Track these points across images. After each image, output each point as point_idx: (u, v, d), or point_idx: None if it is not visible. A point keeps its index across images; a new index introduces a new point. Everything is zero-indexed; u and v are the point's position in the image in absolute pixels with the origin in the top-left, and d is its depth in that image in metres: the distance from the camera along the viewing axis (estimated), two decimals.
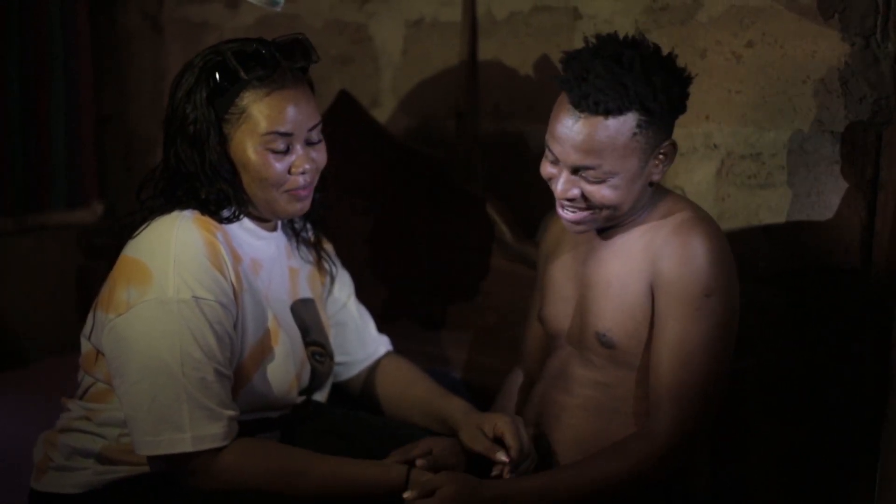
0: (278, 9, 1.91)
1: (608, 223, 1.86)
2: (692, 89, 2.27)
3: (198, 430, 1.71)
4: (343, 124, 2.69)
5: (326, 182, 1.97)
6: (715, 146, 2.29)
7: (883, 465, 2.01)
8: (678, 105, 1.80)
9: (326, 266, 2.11)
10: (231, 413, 1.76)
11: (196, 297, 1.73)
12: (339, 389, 2.16)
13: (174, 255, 1.75)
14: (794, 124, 2.17)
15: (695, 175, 2.33)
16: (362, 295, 2.22)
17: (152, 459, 1.77)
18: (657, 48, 1.80)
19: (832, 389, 2.15)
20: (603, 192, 1.78)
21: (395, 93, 2.85)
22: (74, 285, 3.21)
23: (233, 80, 1.79)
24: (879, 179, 2.05)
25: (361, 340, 2.17)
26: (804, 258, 2.18)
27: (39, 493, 1.89)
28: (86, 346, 1.87)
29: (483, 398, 2.33)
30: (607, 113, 1.72)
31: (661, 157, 1.81)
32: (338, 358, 2.12)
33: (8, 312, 3.15)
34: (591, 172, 1.77)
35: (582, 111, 1.74)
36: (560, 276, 1.99)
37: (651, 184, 1.83)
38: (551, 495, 1.76)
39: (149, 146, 3.35)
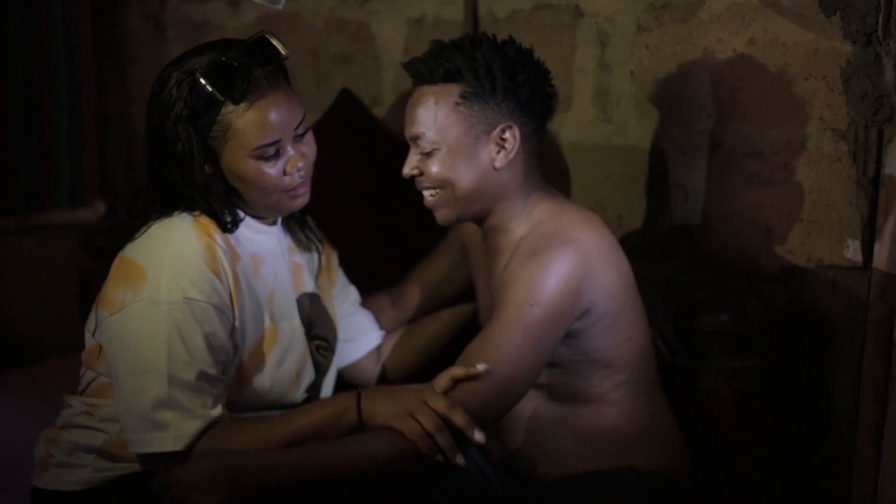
0: (279, 6, 1.90)
1: (465, 210, 1.87)
2: (694, 87, 2.30)
3: (180, 429, 1.73)
4: (344, 123, 2.69)
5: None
6: (717, 144, 2.29)
7: (885, 464, 2.01)
8: (512, 88, 1.82)
9: (332, 263, 2.12)
10: (216, 413, 1.76)
11: (187, 299, 1.74)
12: (347, 386, 2.16)
13: (169, 257, 1.76)
14: (796, 122, 2.17)
15: (697, 173, 2.33)
16: (363, 294, 2.22)
17: (141, 457, 1.79)
18: (507, 41, 1.85)
19: (833, 388, 2.15)
20: (433, 168, 1.85)
21: (396, 91, 2.85)
22: (76, 284, 3.21)
23: (210, 102, 1.78)
24: (881, 177, 2.05)
25: (370, 322, 2.17)
26: (806, 256, 2.18)
27: (41, 491, 1.90)
28: (90, 341, 1.89)
29: None
30: (425, 80, 1.84)
31: (500, 141, 1.83)
32: (350, 338, 2.13)
33: (10, 311, 3.16)
34: (421, 144, 1.85)
35: (414, 84, 1.87)
36: (479, 280, 2.03)
37: (496, 169, 1.84)
38: (302, 470, 1.69)
39: None
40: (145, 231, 1.82)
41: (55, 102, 3.16)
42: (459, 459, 1.70)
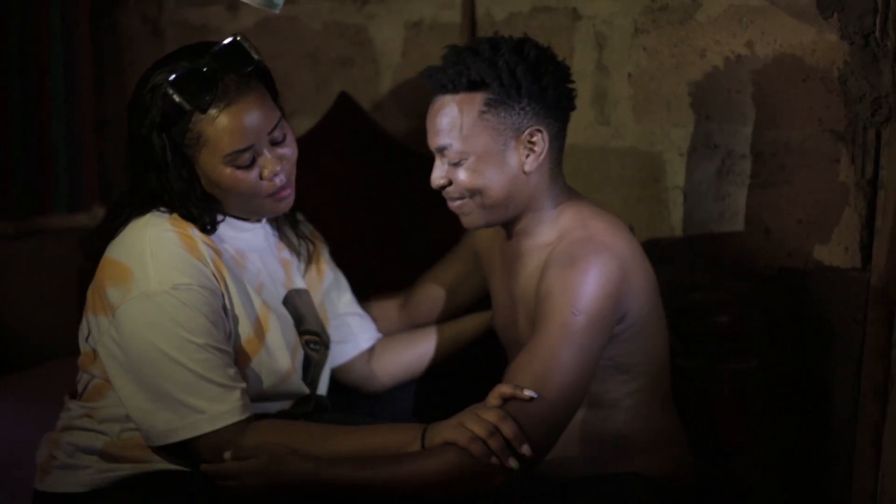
0: (277, 11, 1.91)
1: (495, 216, 1.87)
2: (692, 89, 2.30)
3: (214, 408, 1.73)
4: (343, 127, 2.69)
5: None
6: (715, 146, 2.30)
7: (885, 463, 2.02)
8: (537, 91, 1.80)
9: (321, 259, 2.12)
10: (242, 385, 1.78)
11: (177, 285, 1.75)
12: (343, 389, 2.16)
13: (150, 250, 1.78)
14: (794, 123, 2.17)
15: (695, 175, 2.33)
16: (360, 296, 2.22)
17: (171, 452, 1.79)
18: (525, 42, 1.83)
19: (833, 388, 2.15)
20: (462, 176, 1.83)
21: (395, 95, 2.85)
22: (76, 287, 3.21)
23: (179, 111, 1.78)
24: (879, 178, 2.06)
25: (364, 323, 2.17)
26: (804, 257, 2.18)
27: (43, 494, 1.90)
28: (84, 347, 1.89)
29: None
30: (448, 90, 1.81)
31: (529, 144, 1.82)
32: (343, 339, 2.13)
33: (9, 315, 3.16)
34: (448, 154, 1.84)
35: (435, 94, 1.84)
36: (497, 283, 2.01)
37: (526, 173, 1.83)
38: (361, 484, 1.70)
39: None
40: (124, 230, 1.84)
41: (54, 106, 3.15)
42: (512, 462, 1.68)
